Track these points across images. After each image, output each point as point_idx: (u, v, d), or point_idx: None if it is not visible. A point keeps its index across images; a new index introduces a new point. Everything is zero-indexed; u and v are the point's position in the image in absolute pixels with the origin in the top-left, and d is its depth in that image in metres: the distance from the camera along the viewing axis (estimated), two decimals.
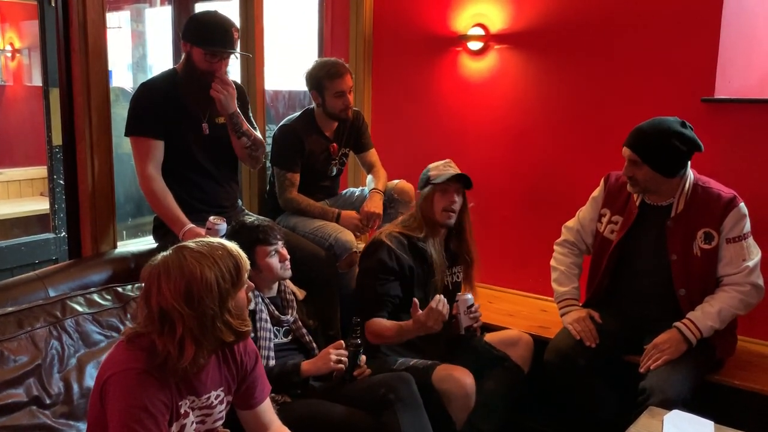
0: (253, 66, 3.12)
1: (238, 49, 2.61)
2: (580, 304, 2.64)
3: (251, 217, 2.45)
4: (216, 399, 1.71)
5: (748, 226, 2.37)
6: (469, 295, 2.47)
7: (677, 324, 2.36)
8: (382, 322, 2.47)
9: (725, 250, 2.35)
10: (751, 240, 2.38)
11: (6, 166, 4.78)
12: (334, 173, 3.09)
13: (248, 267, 1.66)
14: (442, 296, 2.34)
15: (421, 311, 2.33)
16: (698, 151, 2.35)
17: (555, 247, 2.75)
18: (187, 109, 2.58)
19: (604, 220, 2.59)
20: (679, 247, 2.40)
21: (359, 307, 2.54)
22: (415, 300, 2.38)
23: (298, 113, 3.07)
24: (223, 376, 1.73)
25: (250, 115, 2.87)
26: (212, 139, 2.64)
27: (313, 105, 3.01)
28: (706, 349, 2.36)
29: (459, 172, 2.55)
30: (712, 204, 2.37)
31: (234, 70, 3.08)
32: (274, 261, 2.30)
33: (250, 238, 2.27)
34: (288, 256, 2.35)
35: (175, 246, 1.63)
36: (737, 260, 2.34)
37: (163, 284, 1.54)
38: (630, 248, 2.51)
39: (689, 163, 2.40)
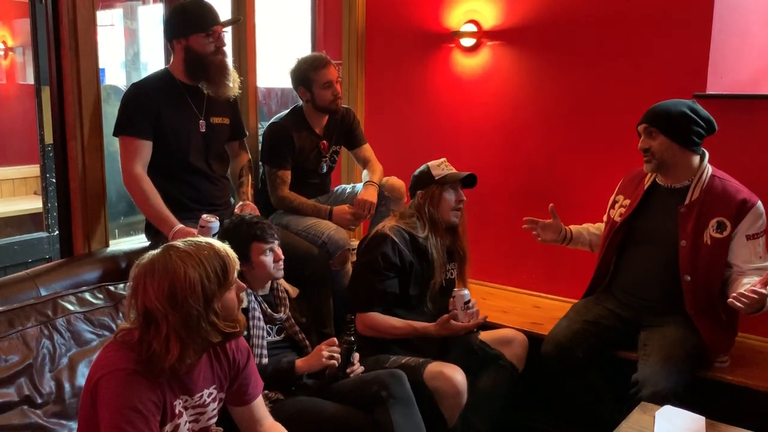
0: (245, 63, 3.12)
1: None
2: (568, 232, 2.74)
3: (249, 214, 2.45)
4: (209, 397, 1.71)
5: (764, 223, 2.39)
6: (466, 291, 2.48)
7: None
8: (387, 319, 2.49)
9: (746, 247, 2.36)
10: (762, 239, 2.38)
11: None
12: (325, 170, 3.09)
13: (237, 267, 1.63)
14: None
15: (454, 321, 2.39)
16: (712, 130, 2.41)
17: None
18: (188, 105, 2.59)
19: (617, 205, 2.63)
20: (690, 233, 2.40)
21: (352, 298, 2.54)
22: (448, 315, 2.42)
23: (286, 111, 3.06)
24: (215, 374, 1.73)
25: (241, 119, 2.89)
26: (207, 137, 2.65)
27: (301, 102, 3.00)
28: (698, 345, 2.37)
29: (462, 172, 2.58)
30: (729, 196, 2.39)
31: (229, 61, 3.09)
32: (268, 259, 2.30)
33: (248, 234, 2.28)
34: (282, 257, 2.34)
35: (164, 245, 1.62)
36: (756, 257, 2.36)
37: (148, 283, 1.54)
38: (638, 231, 2.54)
39: (702, 142, 2.42)
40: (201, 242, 1.62)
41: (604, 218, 2.78)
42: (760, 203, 2.39)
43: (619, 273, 2.62)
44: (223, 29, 2.59)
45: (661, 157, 2.42)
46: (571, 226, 2.78)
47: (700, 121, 2.38)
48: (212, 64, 2.56)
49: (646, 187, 2.53)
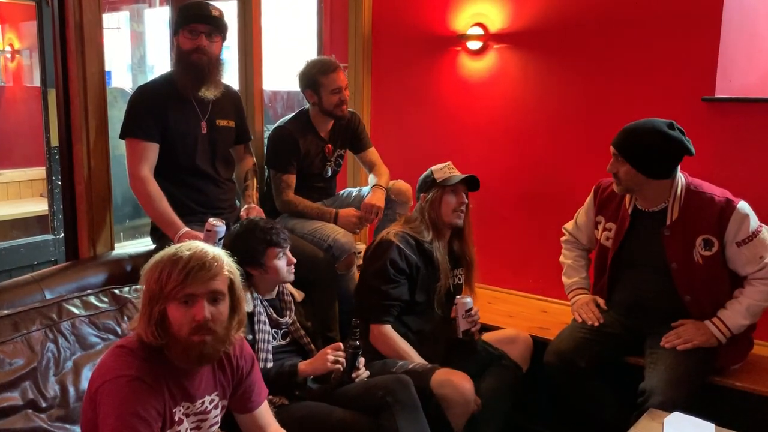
0: (251, 66, 3.11)
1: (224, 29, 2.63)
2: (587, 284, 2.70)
3: (262, 219, 2.46)
4: (210, 404, 1.70)
5: (754, 222, 2.32)
6: (468, 299, 2.48)
7: (706, 322, 2.36)
8: (398, 340, 2.46)
9: (739, 253, 2.32)
10: (764, 233, 2.32)
11: (6, 167, 4.77)
12: (330, 174, 3.08)
13: (189, 291, 1.56)
14: None
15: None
16: (688, 155, 2.31)
17: (562, 244, 2.80)
18: (192, 108, 2.59)
19: (600, 227, 2.59)
20: (679, 255, 2.37)
21: (364, 309, 2.52)
22: None
23: (292, 114, 3.06)
24: (218, 381, 1.72)
25: (246, 122, 2.89)
26: (210, 140, 2.65)
27: (308, 106, 3.00)
28: (707, 353, 2.34)
29: (462, 174, 2.56)
30: (706, 209, 2.33)
31: (232, 70, 3.08)
32: (282, 264, 2.31)
33: (263, 239, 2.29)
34: (294, 261, 2.35)
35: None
36: (755, 258, 2.31)
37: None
38: (628, 256, 2.50)
39: (677, 167, 2.36)
40: (184, 249, 1.61)
41: (569, 226, 2.75)
42: (740, 205, 2.31)
43: (618, 294, 2.58)
44: (213, 33, 2.53)
45: (627, 184, 2.37)
46: (573, 279, 2.72)
47: (671, 153, 2.29)
48: (186, 62, 2.53)
49: (629, 212, 2.47)
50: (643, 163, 2.32)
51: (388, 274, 2.46)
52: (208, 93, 2.58)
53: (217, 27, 2.56)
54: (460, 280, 2.68)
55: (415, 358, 2.44)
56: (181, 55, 2.54)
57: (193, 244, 1.63)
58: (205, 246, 1.65)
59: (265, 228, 2.32)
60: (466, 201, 2.57)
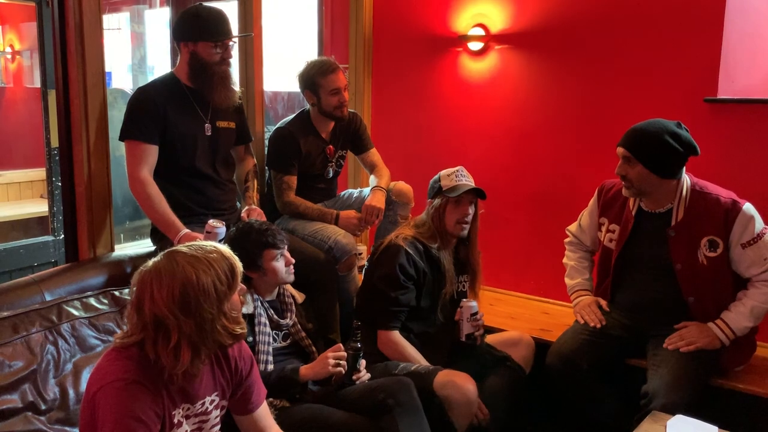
0: (252, 67, 3.11)
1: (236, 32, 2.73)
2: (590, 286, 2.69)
3: (257, 221, 2.44)
4: (211, 404, 1.69)
5: (759, 224, 2.32)
6: (474, 303, 2.47)
7: (710, 324, 2.35)
8: (406, 346, 2.46)
9: (744, 255, 2.31)
10: (764, 241, 2.32)
11: (6, 168, 4.76)
12: (331, 175, 3.07)
13: (242, 269, 1.63)
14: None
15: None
16: (694, 155, 2.32)
17: (565, 246, 2.79)
18: (193, 109, 2.58)
19: (604, 228, 2.58)
20: (683, 256, 2.36)
21: (369, 312, 2.51)
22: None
23: (293, 115, 3.05)
24: (217, 381, 1.71)
25: (246, 123, 2.88)
26: (213, 141, 2.64)
27: (308, 107, 2.99)
28: (710, 355, 2.34)
29: (472, 182, 2.52)
30: (712, 210, 2.33)
31: (233, 71, 3.08)
32: (280, 265, 2.30)
33: (259, 241, 2.27)
34: (293, 261, 2.35)
35: (167, 251, 1.59)
36: (759, 260, 2.31)
37: (155, 291, 1.51)
38: (632, 257, 2.49)
39: (684, 167, 2.36)
40: (206, 246, 1.61)
41: (572, 228, 2.74)
42: (746, 207, 2.32)
43: (621, 295, 2.57)
44: (232, 41, 2.58)
45: (639, 186, 2.36)
46: (576, 280, 2.71)
47: (681, 151, 2.29)
48: (215, 74, 2.55)
49: (633, 213, 2.47)
50: (656, 163, 2.31)
51: (397, 279, 2.44)
52: (235, 98, 2.64)
53: (237, 34, 2.63)
54: (464, 287, 2.66)
55: (423, 363, 2.43)
56: (206, 67, 2.54)
57: (192, 245, 1.61)
58: (200, 242, 1.65)
59: (261, 230, 2.31)
60: (471, 212, 2.52)
